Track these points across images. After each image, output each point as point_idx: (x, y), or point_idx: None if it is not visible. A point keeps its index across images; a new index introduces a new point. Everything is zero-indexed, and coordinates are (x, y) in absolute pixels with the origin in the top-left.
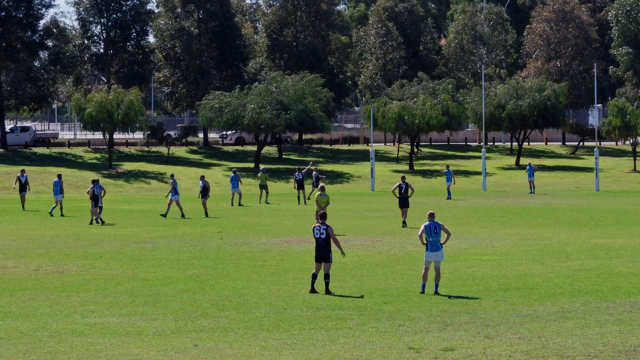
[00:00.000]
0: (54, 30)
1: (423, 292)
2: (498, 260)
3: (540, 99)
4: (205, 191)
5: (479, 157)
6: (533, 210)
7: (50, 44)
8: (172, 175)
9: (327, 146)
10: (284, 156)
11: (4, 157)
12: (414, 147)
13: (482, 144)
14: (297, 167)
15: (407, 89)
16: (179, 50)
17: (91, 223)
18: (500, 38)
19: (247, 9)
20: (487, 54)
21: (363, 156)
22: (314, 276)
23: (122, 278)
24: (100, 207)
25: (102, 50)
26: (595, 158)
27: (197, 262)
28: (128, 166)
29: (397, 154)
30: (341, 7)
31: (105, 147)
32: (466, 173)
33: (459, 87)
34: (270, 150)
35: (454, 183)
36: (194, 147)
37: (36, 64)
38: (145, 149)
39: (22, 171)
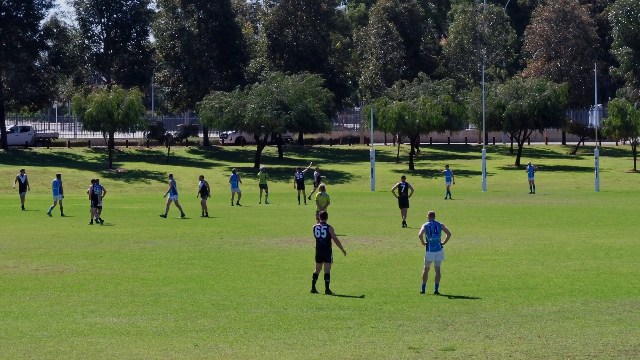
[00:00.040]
0: (54, 30)
1: (423, 292)
2: (498, 260)
3: (540, 99)
4: (204, 191)
5: (479, 157)
6: (533, 210)
7: (50, 43)
8: (170, 175)
9: (328, 146)
10: (284, 156)
11: (4, 157)
12: (414, 147)
13: (482, 144)
14: (297, 167)
15: (407, 89)
16: (179, 50)
17: (91, 223)
18: (501, 38)
19: (247, 9)
20: (487, 54)
21: (363, 156)
22: (315, 276)
23: (123, 278)
24: (100, 207)
25: (102, 50)
26: (596, 158)
27: (198, 262)
28: (128, 166)
29: (398, 154)
30: (341, 7)
31: (105, 147)
32: (466, 173)
33: (459, 87)
34: (270, 150)
35: (454, 183)
36: (194, 147)
37: (36, 64)
38: (146, 148)
39: (22, 171)
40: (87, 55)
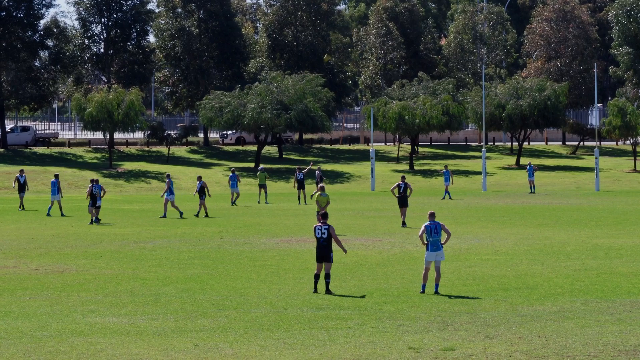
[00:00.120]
0: (55, 30)
1: (423, 292)
2: (498, 260)
3: (540, 99)
4: (202, 191)
5: (479, 157)
6: (533, 210)
7: (50, 43)
8: (168, 175)
9: (328, 146)
10: (284, 156)
11: (5, 157)
12: (414, 147)
13: (482, 143)
14: (297, 166)
15: (407, 89)
16: (179, 50)
17: (91, 223)
18: (501, 38)
19: (247, 9)
20: (487, 54)
21: (363, 156)
22: (317, 277)
23: (123, 278)
24: (98, 207)
25: (102, 50)
26: (596, 158)
27: (198, 262)
28: (128, 166)
29: (398, 154)
30: (341, 7)
31: (105, 146)
32: (466, 173)
33: (459, 87)
34: (270, 150)
35: (452, 183)
36: (195, 147)
37: (36, 64)
38: (146, 148)
39: (21, 171)
40: (87, 55)
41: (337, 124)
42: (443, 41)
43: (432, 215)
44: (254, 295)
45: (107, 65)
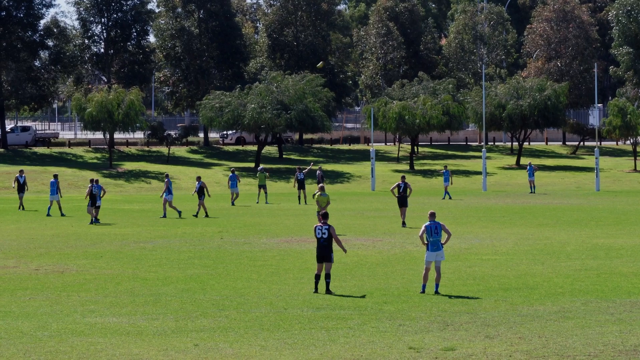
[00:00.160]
0: (55, 30)
1: (423, 292)
2: (498, 260)
3: (540, 99)
4: (201, 192)
5: (480, 157)
6: (533, 210)
7: (50, 43)
8: (166, 175)
9: (328, 146)
10: (284, 156)
11: (5, 157)
12: (414, 147)
13: (482, 143)
14: (297, 166)
15: (407, 89)
16: (179, 50)
17: (91, 223)
18: (501, 38)
19: (247, 9)
20: (487, 54)
21: (363, 156)
22: (317, 277)
23: (123, 278)
24: (98, 207)
25: (102, 50)
26: (596, 158)
27: (198, 262)
28: (128, 166)
29: (398, 154)
30: (342, 6)
31: (105, 146)
32: (466, 173)
33: (460, 87)
34: (270, 150)
35: (452, 183)
36: (195, 147)
37: (37, 64)
38: (146, 148)
39: (21, 172)
40: (87, 55)
41: (337, 124)
42: (443, 41)
43: (432, 215)
44: (254, 295)
45: (107, 65)
